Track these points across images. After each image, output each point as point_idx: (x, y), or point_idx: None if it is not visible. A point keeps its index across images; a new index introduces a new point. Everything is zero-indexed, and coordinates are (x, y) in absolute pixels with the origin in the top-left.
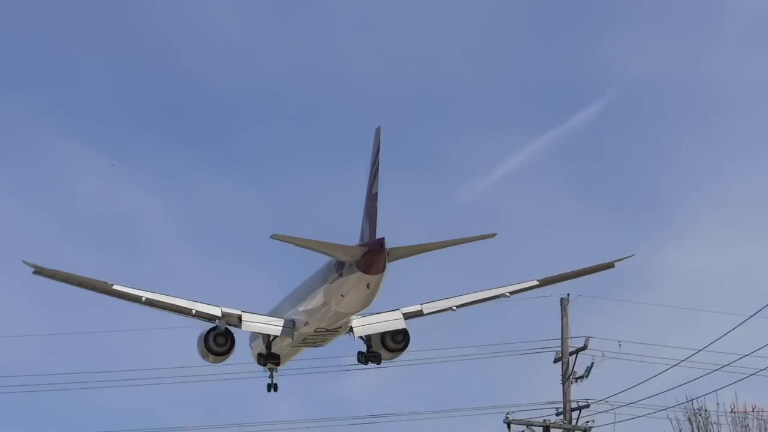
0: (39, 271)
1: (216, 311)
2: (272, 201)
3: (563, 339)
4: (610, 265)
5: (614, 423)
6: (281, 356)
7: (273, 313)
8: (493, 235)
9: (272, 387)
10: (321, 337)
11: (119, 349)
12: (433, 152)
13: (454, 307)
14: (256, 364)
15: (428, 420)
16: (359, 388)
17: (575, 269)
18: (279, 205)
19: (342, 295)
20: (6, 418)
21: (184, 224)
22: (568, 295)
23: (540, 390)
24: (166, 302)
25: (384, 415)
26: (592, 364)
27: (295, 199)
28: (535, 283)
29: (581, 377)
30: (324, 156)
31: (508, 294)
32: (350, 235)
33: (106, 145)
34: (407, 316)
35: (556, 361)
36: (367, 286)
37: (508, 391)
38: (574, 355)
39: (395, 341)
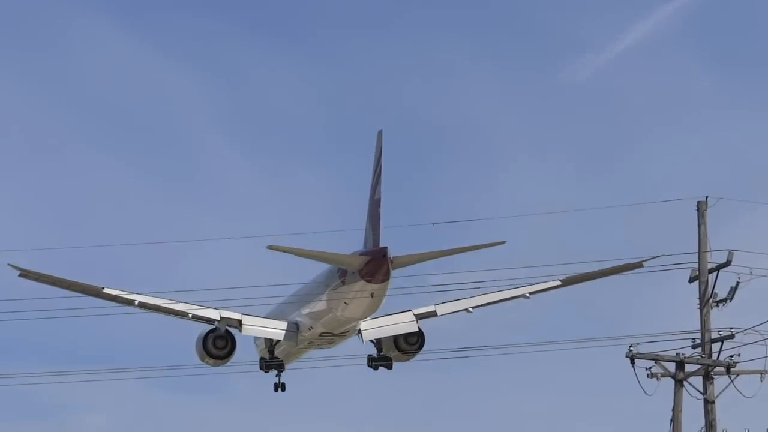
0: (25, 274)
1: (214, 315)
2: (338, 85)
3: (701, 253)
4: (638, 265)
5: (766, 357)
6: (285, 359)
7: (275, 314)
8: (503, 242)
9: (279, 387)
10: (327, 340)
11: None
12: (538, 22)
13: (470, 309)
14: (259, 369)
15: (535, 354)
16: (454, 316)
17: (601, 268)
18: (345, 90)
19: (346, 303)
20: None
21: (225, 112)
22: (706, 198)
23: (671, 317)
24: (160, 306)
25: (479, 347)
26: (738, 284)
27: (367, 84)
28: (558, 283)
29: (723, 300)
30: (402, 32)
31: (527, 295)
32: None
33: (125, 10)
34: (420, 318)
35: (692, 280)
36: (371, 294)
37: (631, 319)
38: (715, 273)
39: (409, 343)
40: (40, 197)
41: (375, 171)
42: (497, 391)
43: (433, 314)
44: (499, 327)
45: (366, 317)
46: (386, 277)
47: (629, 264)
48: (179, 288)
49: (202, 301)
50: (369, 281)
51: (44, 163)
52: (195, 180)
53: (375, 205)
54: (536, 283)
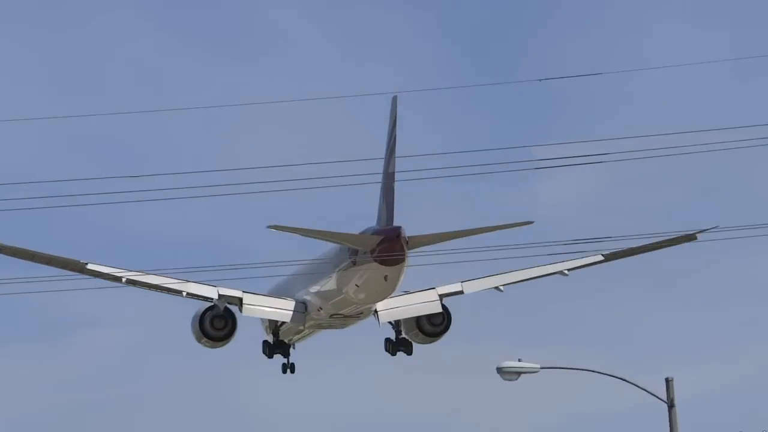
0: (0, 249)
1: (211, 293)
2: None
3: None
4: (691, 237)
5: None
6: (293, 340)
7: (280, 290)
8: (531, 222)
9: (288, 367)
10: (339, 322)
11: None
12: None
13: (501, 287)
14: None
15: (689, 250)
16: (569, 199)
17: (647, 243)
18: None
19: (357, 286)
20: None
21: None
22: None
23: None
24: (150, 283)
25: (600, 239)
26: None
27: None
28: (600, 258)
29: None
30: None
31: (566, 272)
32: None
33: None
34: (444, 297)
35: None
36: (385, 278)
37: None
38: None
39: (433, 323)
40: (48, 54)
41: (389, 141)
42: (631, 298)
43: (459, 293)
44: (624, 211)
45: (380, 301)
46: (401, 259)
47: (680, 237)
48: (215, 167)
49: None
50: (383, 264)
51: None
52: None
53: (389, 179)
54: (574, 259)
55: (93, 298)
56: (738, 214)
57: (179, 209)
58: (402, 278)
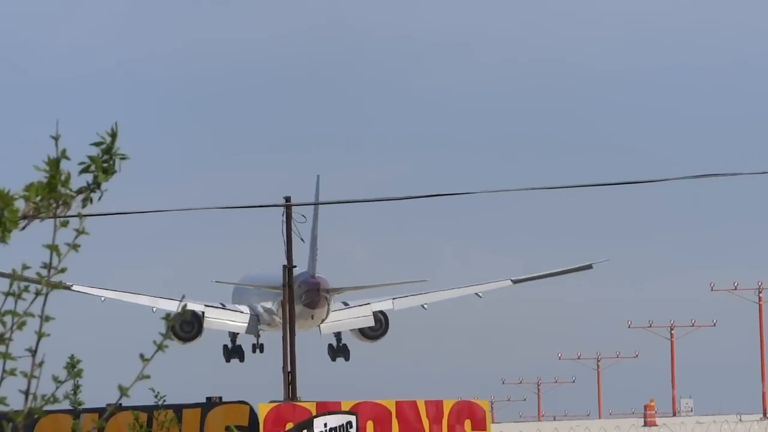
0: None
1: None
2: None
3: None
4: (587, 267)
5: None
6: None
7: (240, 293)
8: (424, 280)
9: (257, 348)
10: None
11: None
12: None
13: (425, 305)
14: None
15: None
16: None
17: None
18: None
19: None
20: None
21: None
22: None
23: None
24: (124, 300)
25: None
26: None
27: None
28: (509, 282)
29: None
30: None
31: (479, 294)
32: None
33: None
34: (377, 312)
35: None
36: (312, 316)
37: None
38: None
39: (372, 329)
40: None
41: (314, 210)
42: None
43: (390, 309)
44: None
45: (311, 327)
46: (324, 305)
47: (580, 266)
48: None
49: None
50: (307, 306)
51: None
52: None
53: (314, 239)
54: (487, 282)
55: None
56: None
57: None
58: (326, 314)
